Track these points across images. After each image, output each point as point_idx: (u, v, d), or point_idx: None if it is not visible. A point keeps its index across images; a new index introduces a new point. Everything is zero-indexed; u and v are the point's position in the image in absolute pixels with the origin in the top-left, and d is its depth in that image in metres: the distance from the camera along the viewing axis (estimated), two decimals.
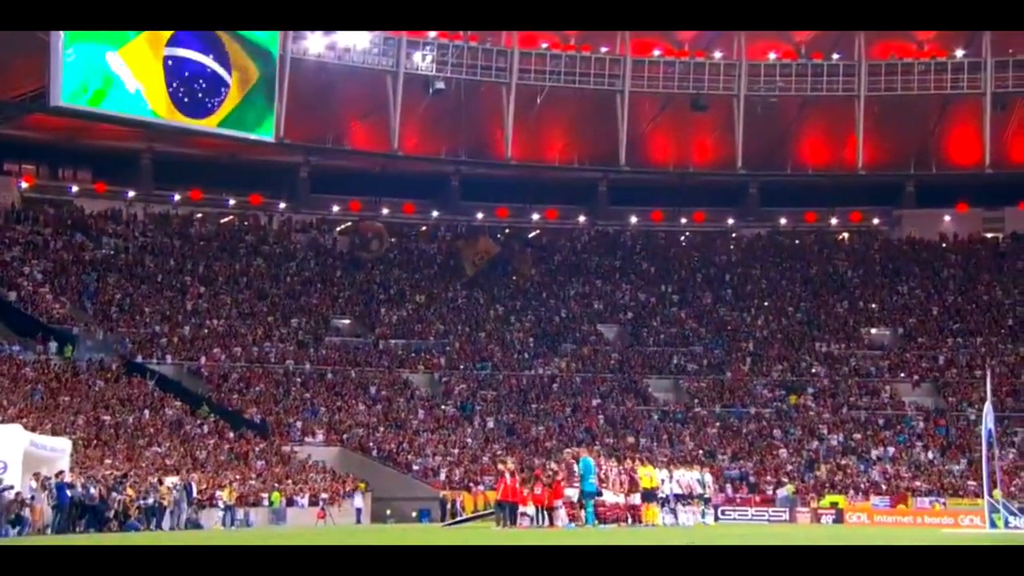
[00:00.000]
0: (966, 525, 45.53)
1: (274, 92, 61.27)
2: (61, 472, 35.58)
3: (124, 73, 55.75)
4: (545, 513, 29.53)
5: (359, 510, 48.95)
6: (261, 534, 31.75)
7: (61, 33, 54.06)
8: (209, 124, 59.51)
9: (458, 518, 39.28)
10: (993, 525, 35.95)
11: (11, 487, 32.54)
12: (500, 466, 33.08)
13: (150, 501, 36.52)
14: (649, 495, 31.87)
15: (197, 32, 56.51)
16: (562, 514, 29.21)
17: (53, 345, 53.20)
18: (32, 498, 33.35)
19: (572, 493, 29.40)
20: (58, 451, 35.95)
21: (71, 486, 34.10)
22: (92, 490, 34.73)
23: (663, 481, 33.47)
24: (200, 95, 58.49)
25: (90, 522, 34.02)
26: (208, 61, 58.57)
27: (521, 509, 29.51)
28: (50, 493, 33.30)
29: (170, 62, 57.23)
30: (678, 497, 34.28)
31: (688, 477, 35.69)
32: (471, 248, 69.82)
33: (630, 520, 31.28)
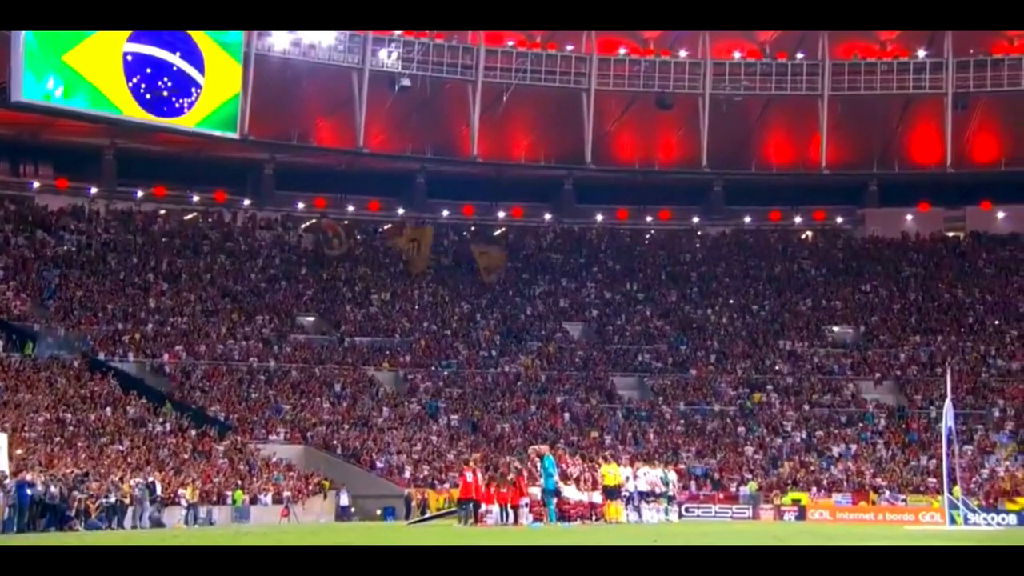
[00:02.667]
0: (927, 522, 45.99)
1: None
2: (22, 471, 35.32)
3: (83, 71, 55.42)
4: (510, 511, 29.55)
5: (345, 507, 49.03)
6: (224, 533, 31.53)
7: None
8: (185, 123, 59.11)
9: (422, 516, 39.11)
10: (953, 522, 36.31)
11: None
12: (463, 466, 33.00)
13: (112, 500, 36.21)
14: (613, 492, 31.93)
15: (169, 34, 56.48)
16: (526, 512, 29.25)
17: None
18: None
19: (537, 491, 29.44)
20: None
21: (31, 485, 33.77)
22: (53, 489, 34.41)
23: (627, 479, 33.53)
24: (166, 93, 58.07)
25: (51, 521, 33.71)
26: (174, 59, 58.17)
27: (484, 507, 29.51)
28: (8, 492, 32.98)
29: (129, 57, 56.82)
30: (642, 495, 34.35)
31: (652, 475, 35.78)
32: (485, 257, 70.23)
33: (593, 517, 31.37)
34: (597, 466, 32.75)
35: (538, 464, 29.74)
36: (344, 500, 49.63)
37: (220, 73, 59.52)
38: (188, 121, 58.99)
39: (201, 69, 58.95)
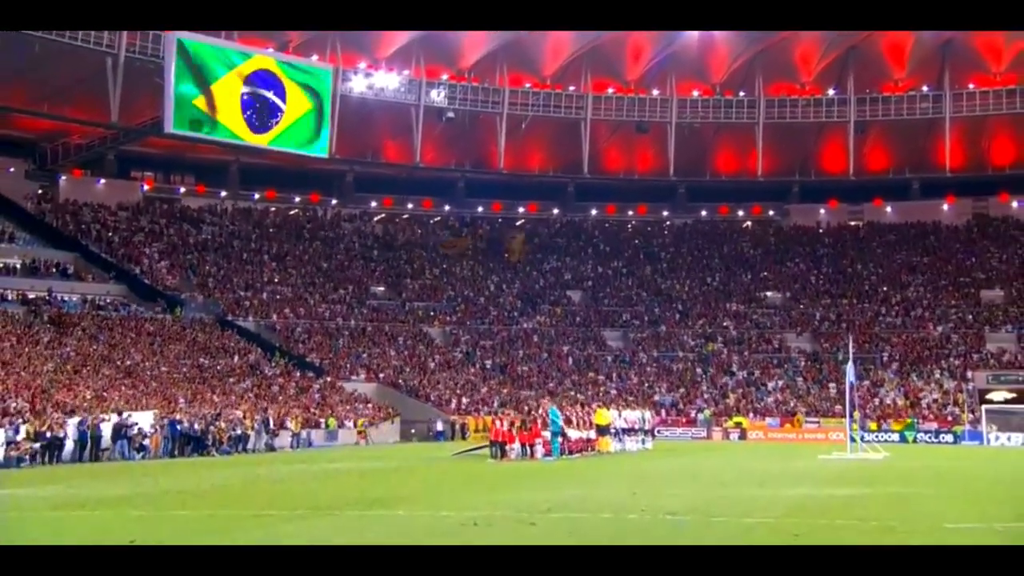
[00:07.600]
0: (834, 440, 45.70)
1: (319, 119, 60.71)
2: (174, 411, 35.39)
3: (210, 107, 55.55)
4: (528, 448, 29.40)
5: (440, 432, 48.49)
6: (320, 455, 31.41)
7: (172, 77, 53.50)
8: (264, 140, 59.08)
9: (464, 449, 38.97)
10: (852, 440, 36.06)
11: (136, 423, 32.35)
12: (495, 416, 32.81)
13: (238, 431, 36.31)
14: (603, 430, 31.70)
15: (267, 77, 56.90)
16: (539, 449, 29.07)
17: (139, 307, 52.36)
18: (153, 430, 33.19)
19: (548, 435, 29.24)
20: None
21: (180, 422, 33.90)
22: (195, 424, 34.54)
23: (615, 419, 33.27)
24: (265, 117, 58.41)
25: (194, 448, 33.90)
26: (270, 95, 58.23)
27: (509, 447, 29.35)
28: (164, 428, 33.12)
29: (245, 96, 56.91)
30: (625, 431, 34.11)
31: (633, 415, 35.49)
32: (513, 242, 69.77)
33: (589, 449, 31.17)
34: (592, 410, 32.49)
35: (547, 414, 29.54)
36: (439, 427, 48.87)
37: (295, 103, 59.28)
38: (271, 135, 59.04)
39: (283, 99, 58.83)
